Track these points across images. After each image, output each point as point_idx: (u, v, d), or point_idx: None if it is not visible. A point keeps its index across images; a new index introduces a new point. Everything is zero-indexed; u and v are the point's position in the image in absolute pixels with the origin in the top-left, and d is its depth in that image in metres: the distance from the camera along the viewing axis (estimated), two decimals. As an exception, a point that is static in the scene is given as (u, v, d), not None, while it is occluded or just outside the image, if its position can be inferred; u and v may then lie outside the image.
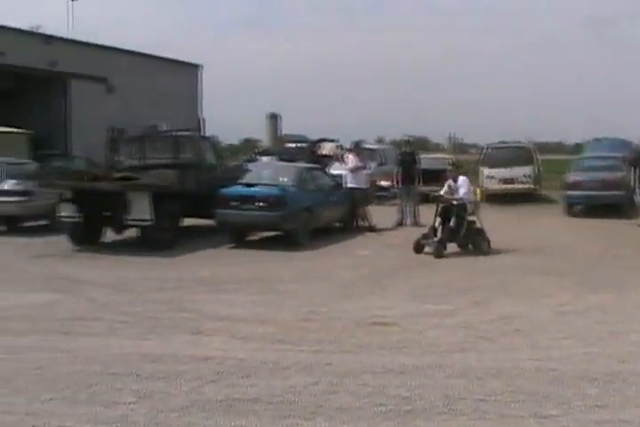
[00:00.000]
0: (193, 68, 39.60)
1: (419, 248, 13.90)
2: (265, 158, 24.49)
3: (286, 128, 34.33)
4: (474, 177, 26.16)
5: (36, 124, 27.87)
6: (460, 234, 13.98)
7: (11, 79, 30.53)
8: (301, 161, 20.98)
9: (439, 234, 13.88)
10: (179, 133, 17.85)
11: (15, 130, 24.63)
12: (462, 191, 14.21)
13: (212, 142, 18.89)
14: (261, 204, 14.54)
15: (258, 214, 14.56)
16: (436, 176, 23.51)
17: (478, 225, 14.23)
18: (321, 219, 15.93)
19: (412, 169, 18.69)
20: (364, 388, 6.19)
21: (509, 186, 24.56)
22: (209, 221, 15.80)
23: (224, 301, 9.87)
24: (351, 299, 10.09)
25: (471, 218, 14.19)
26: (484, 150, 26.22)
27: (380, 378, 6.45)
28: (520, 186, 24.66)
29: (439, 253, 13.58)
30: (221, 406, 5.77)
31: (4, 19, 28.77)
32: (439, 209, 14.20)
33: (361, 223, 17.56)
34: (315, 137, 29.94)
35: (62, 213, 14.63)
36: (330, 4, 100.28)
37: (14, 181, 17.31)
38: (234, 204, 14.67)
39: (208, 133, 18.49)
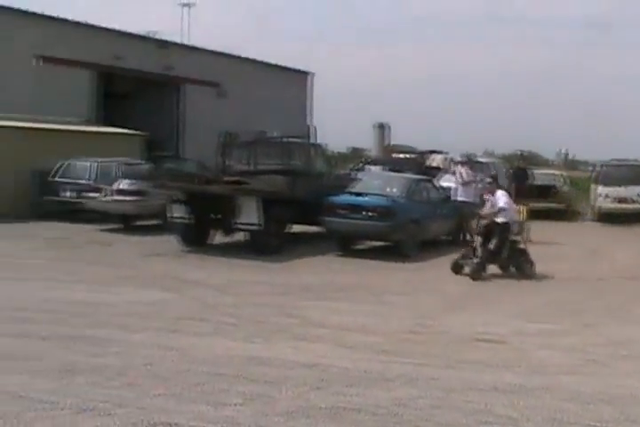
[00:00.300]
0: (303, 76, 39.94)
1: (457, 268, 13.11)
2: (373, 168, 24.46)
3: (394, 138, 34.22)
4: (585, 195, 25.57)
5: (151, 126, 28.64)
6: (502, 255, 13.04)
7: (128, 83, 31.49)
8: (410, 172, 20.87)
9: (479, 254, 12.98)
10: (289, 140, 18.01)
11: (131, 132, 25.43)
12: (501, 203, 13.21)
13: (322, 150, 18.98)
14: (370, 213, 14.54)
15: (366, 224, 14.56)
16: (546, 192, 23.07)
17: (522, 246, 13.44)
18: (429, 231, 15.82)
19: (524, 184, 18.38)
20: (469, 405, 6.09)
21: (624, 205, 23.80)
22: (317, 227, 15.91)
23: (330, 308, 9.90)
24: (457, 313, 9.97)
25: (515, 238, 13.39)
26: (598, 168, 25.47)
27: (487, 396, 6.33)
28: (635, 206, 23.85)
29: (477, 275, 12.75)
30: (326, 413, 5.76)
31: (122, 24, 29.64)
32: (480, 228, 13.36)
33: (469, 237, 17.31)
34: (423, 148, 29.77)
35: (174, 214, 14.97)
36: (442, 16, 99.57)
37: (129, 181, 17.88)
38: (342, 212, 14.71)
39: (319, 141, 18.50)
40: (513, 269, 13.31)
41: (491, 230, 13.10)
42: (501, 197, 13.28)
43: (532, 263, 13.22)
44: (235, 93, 33.49)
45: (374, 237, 15.56)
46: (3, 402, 5.73)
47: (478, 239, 13.17)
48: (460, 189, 17.64)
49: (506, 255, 13.09)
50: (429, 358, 7.54)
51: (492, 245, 12.95)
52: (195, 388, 6.24)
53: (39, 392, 5.99)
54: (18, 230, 17.62)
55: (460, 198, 17.41)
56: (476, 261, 12.92)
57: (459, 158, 19.74)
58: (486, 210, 13.54)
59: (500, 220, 13.11)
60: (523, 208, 16.21)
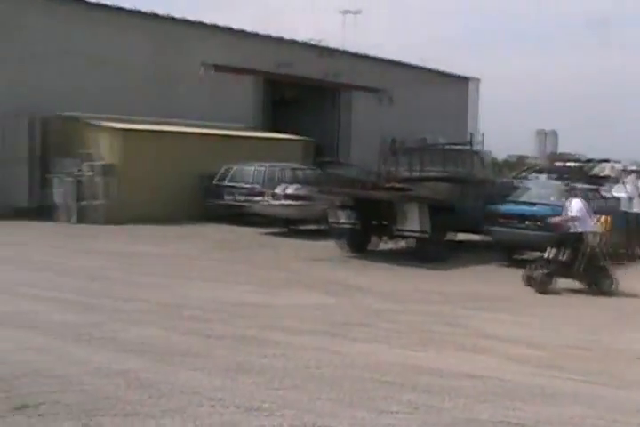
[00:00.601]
0: (465, 81, 39.54)
1: (528, 280, 12.29)
2: (539, 176, 23.89)
3: (562, 146, 33.32)
4: None
5: (314, 132, 29.14)
6: (575, 268, 11.98)
7: (293, 89, 32.18)
8: (577, 181, 20.19)
9: (550, 266, 12.15)
10: (452, 147, 17.88)
11: (294, 137, 25.96)
12: (573, 211, 12.34)
13: (484, 157, 18.73)
14: (538, 223, 14.15)
15: (535, 234, 14.15)
16: None
17: (602, 261, 12.29)
18: (595, 242, 15.21)
19: None
20: (642, 428, 5.81)
21: None
22: (480, 236, 15.69)
23: (493, 319, 9.75)
24: (626, 330, 9.58)
25: (595, 251, 12.25)
26: None
27: (663, 421, 6.01)
28: None
29: (542, 288, 11.94)
30: (492, 427, 5.65)
31: (288, 32, 30.15)
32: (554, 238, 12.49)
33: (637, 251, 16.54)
34: (592, 156, 28.87)
35: (340, 220, 15.12)
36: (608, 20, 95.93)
37: (296, 186, 18.29)
38: (508, 221, 14.41)
39: (484, 148, 18.27)
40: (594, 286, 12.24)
41: (564, 241, 12.29)
42: (575, 206, 12.44)
43: (612, 280, 12.19)
44: (397, 99, 33.58)
45: (541, 248, 15.11)
46: (176, 397, 5.95)
47: (552, 250, 12.27)
48: (637, 200, 16.86)
49: (580, 269, 12.04)
50: (597, 375, 7.27)
51: (563, 257, 12.11)
52: (358, 393, 6.24)
53: (208, 389, 6.17)
54: (189, 232, 18.43)
55: (635, 210, 16.66)
56: (543, 272, 12.12)
57: (633, 167, 18.93)
58: (556, 218, 12.76)
59: (572, 230, 12.29)
60: (604, 218, 15.30)
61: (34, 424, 5.32)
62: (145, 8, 25.68)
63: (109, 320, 8.78)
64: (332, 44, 32.60)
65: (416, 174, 16.28)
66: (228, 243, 16.70)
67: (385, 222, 14.91)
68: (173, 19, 26.56)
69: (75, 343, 7.69)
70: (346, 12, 36.48)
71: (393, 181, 15.51)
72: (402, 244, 15.49)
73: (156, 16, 26.01)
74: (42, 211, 20.99)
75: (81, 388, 6.12)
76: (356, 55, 33.19)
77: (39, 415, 5.49)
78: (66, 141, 21.79)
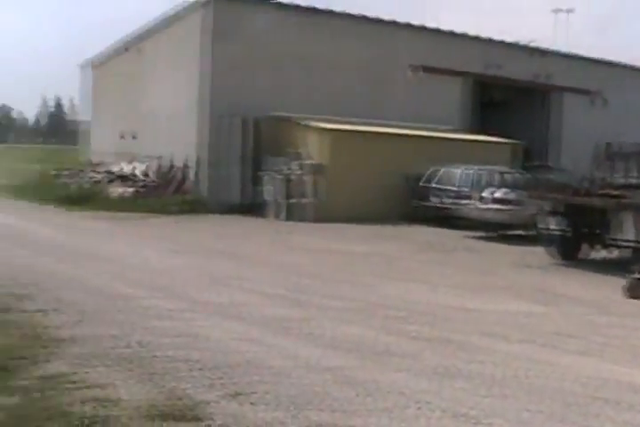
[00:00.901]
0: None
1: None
2: None
3: None
4: None
5: (524, 134, 28.52)
6: None
7: (502, 91, 31.68)
8: None
9: None
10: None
11: (501, 140, 25.56)
12: None
13: None
14: None
15: None
16: None
17: None
18: None
19: None
20: None
21: None
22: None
23: None
24: None
25: None
26: None
27: None
28: None
29: (633, 293, 10.89)
30: None
31: (497, 33, 29.76)
32: None
33: None
34: None
35: (550, 226, 14.67)
36: None
37: (505, 190, 17.99)
38: None
39: None
40: None
41: None
42: None
43: None
44: (610, 101, 32.30)
45: None
46: (382, 397, 5.98)
47: None
48: None
49: None
50: None
51: None
52: (569, 408, 5.98)
53: (414, 391, 6.15)
54: (394, 232, 18.65)
55: None
56: (636, 276, 11.19)
57: None
58: None
59: None
60: None
61: (245, 412, 5.52)
62: (354, 11, 26.21)
63: (317, 316, 8.99)
64: (544, 45, 31.81)
65: (633, 181, 15.51)
66: (434, 245, 16.69)
67: (597, 231, 14.29)
68: (382, 21, 26.87)
69: (284, 337, 7.94)
70: (557, 10, 35.47)
71: (608, 187, 14.86)
72: (615, 253, 14.80)
73: (365, 18, 26.46)
74: (253, 207, 21.93)
75: (290, 381, 6.30)
76: (567, 56, 32.20)
77: (250, 404, 5.70)
78: (276, 141, 22.61)
